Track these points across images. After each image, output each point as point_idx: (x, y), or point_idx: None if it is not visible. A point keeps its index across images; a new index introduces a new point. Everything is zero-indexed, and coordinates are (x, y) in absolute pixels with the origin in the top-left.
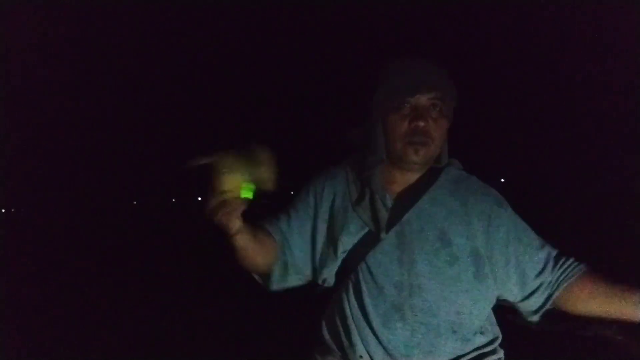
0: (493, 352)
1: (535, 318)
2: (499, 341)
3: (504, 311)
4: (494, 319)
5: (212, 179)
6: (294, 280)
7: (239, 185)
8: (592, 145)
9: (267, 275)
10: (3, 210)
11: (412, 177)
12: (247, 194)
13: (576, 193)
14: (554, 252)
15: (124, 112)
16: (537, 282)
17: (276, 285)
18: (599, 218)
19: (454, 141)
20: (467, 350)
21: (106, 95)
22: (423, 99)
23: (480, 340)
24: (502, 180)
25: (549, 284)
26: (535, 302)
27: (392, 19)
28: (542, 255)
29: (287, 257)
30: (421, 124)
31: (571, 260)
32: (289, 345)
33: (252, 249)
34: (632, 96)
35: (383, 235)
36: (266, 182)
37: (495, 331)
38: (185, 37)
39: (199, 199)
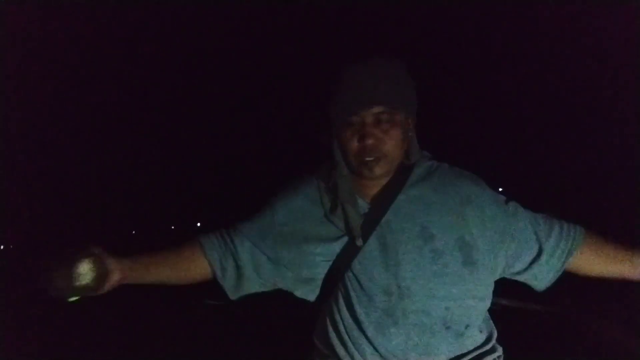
0: (492, 350)
1: (544, 285)
2: (495, 338)
3: (503, 311)
4: (487, 315)
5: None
6: (257, 284)
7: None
8: (593, 146)
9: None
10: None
11: (384, 179)
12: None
13: (577, 192)
14: (542, 217)
15: (122, 135)
16: (538, 251)
17: (234, 293)
18: (600, 218)
19: (454, 142)
20: (465, 349)
21: (102, 116)
22: (368, 115)
23: (476, 336)
24: (500, 189)
25: (554, 253)
26: (541, 274)
27: (389, 17)
28: (532, 222)
29: (243, 263)
30: (369, 141)
31: (570, 226)
32: (288, 348)
33: (162, 276)
34: (632, 96)
35: (359, 242)
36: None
37: (490, 327)
38: (188, 36)
39: (198, 224)
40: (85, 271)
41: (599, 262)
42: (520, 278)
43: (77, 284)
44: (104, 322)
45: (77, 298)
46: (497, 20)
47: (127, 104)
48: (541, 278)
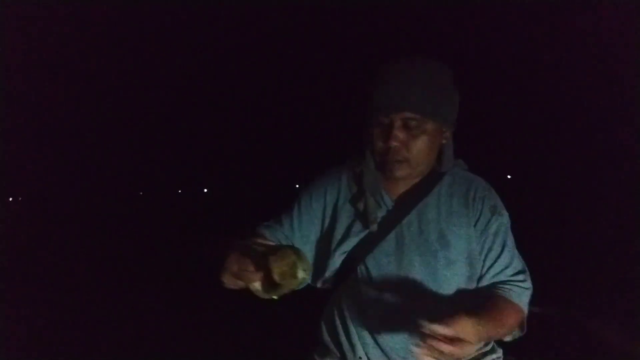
0: (492, 351)
1: None
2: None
3: None
4: None
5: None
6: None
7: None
8: (596, 143)
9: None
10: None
11: (413, 181)
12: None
13: (578, 191)
14: (512, 270)
15: (130, 102)
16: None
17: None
18: (600, 216)
19: (458, 139)
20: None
21: (111, 85)
22: (396, 119)
23: None
24: (509, 176)
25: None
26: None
27: (398, 16)
28: (499, 268)
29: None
30: (393, 144)
31: (513, 284)
32: (288, 346)
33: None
34: (632, 95)
35: (373, 228)
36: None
37: None
38: (192, 29)
39: (205, 190)
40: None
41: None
42: None
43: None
44: (104, 322)
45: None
46: (497, 21)
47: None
48: None
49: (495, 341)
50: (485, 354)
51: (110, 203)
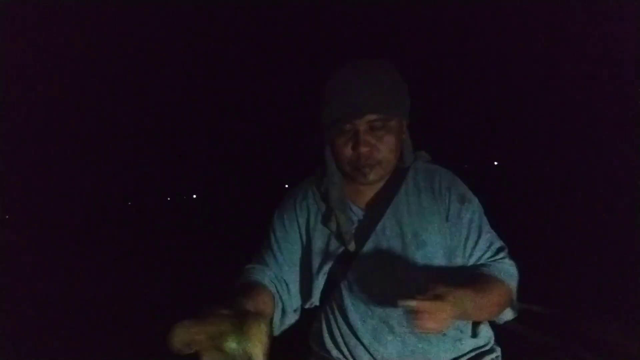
0: (490, 350)
1: None
2: (492, 338)
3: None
4: None
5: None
6: (293, 318)
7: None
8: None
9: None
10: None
11: (378, 184)
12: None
13: (579, 190)
14: (491, 252)
15: (118, 109)
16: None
17: (278, 331)
18: (601, 215)
19: (451, 138)
20: (463, 352)
21: (99, 93)
22: (361, 124)
23: (473, 339)
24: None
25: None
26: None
27: (388, 16)
28: (479, 252)
29: (285, 299)
30: (363, 149)
31: (493, 261)
32: (287, 349)
33: None
34: (632, 95)
35: (351, 247)
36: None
37: (487, 328)
38: (181, 34)
39: (194, 196)
40: (255, 347)
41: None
42: None
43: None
44: (104, 322)
45: None
46: (495, 21)
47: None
48: None
49: (494, 340)
50: (484, 353)
51: (99, 212)
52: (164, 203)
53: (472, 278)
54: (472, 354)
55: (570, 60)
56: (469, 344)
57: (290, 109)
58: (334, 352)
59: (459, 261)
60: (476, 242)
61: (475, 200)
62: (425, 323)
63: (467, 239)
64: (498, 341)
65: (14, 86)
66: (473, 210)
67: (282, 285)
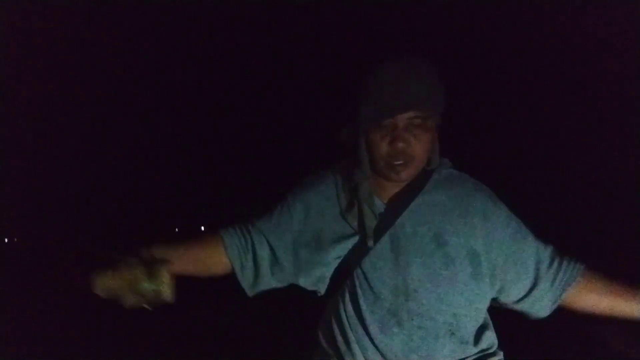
0: (493, 354)
1: (543, 314)
2: (496, 344)
3: (503, 311)
4: (489, 321)
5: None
6: (270, 283)
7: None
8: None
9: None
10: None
11: (403, 182)
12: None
13: (579, 190)
14: (549, 250)
15: (122, 138)
16: (535, 281)
17: (251, 290)
18: (601, 215)
19: (449, 141)
20: (467, 354)
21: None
22: (402, 119)
23: (479, 342)
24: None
25: (553, 283)
26: (540, 303)
27: (393, 14)
28: (538, 253)
29: (260, 258)
30: (400, 145)
31: (570, 260)
32: (288, 348)
33: (183, 270)
34: (632, 95)
35: (370, 243)
36: (157, 297)
37: (492, 333)
38: (193, 43)
39: (202, 228)
40: (162, 285)
41: (595, 297)
42: (519, 307)
43: (158, 298)
44: (104, 322)
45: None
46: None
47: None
48: (539, 307)
49: (497, 344)
50: (488, 355)
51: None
52: (172, 235)
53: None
54: (476, 356)
55: (570, 60)
56: (474, 346)
57: (294, 113)
58: (339, 342)
59: (484, 268)
60: (533, 240)
61: (503, 206)
62: None
63: (515, 233)
64: (499, 341)
65: (14, 87)
66: (506, 211)
67: (262, 246)
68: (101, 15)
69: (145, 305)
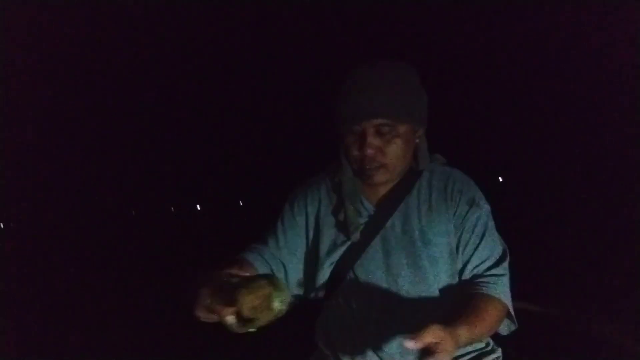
0: (491, 351)
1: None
2: (491, 340)
3: None
4: None
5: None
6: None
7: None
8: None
9: None
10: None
11: (391, 183)
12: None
13: (579, 190)
14: (491, 262)
15: (120, 118)
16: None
17: None
18: (602, 215)
19: (454, 141)
20: (462, 352)
21: (101, 100)
22: (369, 126)
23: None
24: (510, 174)
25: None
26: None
27: (391, 15)
28: (478, 260)
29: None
30: (368, 151)
31: (489, 277)
32: (287, 348)
33: None
34: (633, 96)
35: (354, 238)
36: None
37: None
38: (181, 42)
39: (198, 207)
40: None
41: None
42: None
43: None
44: (104, 322)
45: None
46: (498, 21)
47: (131, 104)
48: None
49: (494, 340)
50: (485, 353)
51: (101, 221)
52: (168, 214)
53: (469, 302)
54: (473, 354)
55: (570, 61)
56: (471, 345)
57: (294, 113)
58: (338, 345)
59: (459, 264)
60: (476, 248)
61: (485, 207)
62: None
63: (467, 243)
64: (498, 341)
65: (14, 90)
66: (479, 215)
67: (279, 267)
68: (101, 15)
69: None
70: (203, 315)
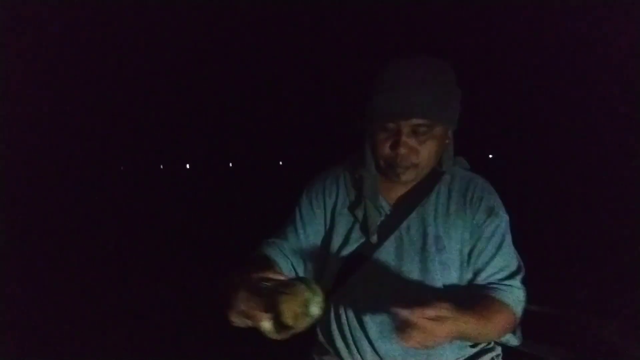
0: (491, 349)
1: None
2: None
3: None
4: None
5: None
6: None
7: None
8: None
9: None
10: None
11: (411, 184)
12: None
13: (579, 189)
14: (504, 273)
15: (111, 80)
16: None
17: None
18: (602, 214)
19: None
20: (466, 354)
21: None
22: (405, 125)
23: (478, 343)
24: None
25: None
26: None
27: (399, 13)
28: (492, 270)
29: (300, 275)
30: (402, 151)
31: (504, 285)
32: (287, 345)
33: None
34: (633, 96)
35: (373, 239)
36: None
37: None
38: (184, 28)
39: (187, 166)
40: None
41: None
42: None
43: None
44: (104, 322)
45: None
46: (499, 21)
47: (128, 103)
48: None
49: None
50: (485, 351)
51: (94, 178)
52: (157, 171)
53: (478, 300)
54: (473, 351)
55: (570, 59)
56: (472, 346)
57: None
58: (339, 343)
59: (469, 274)
60: (491, 258)
61: (505, 217)
62: (414, 339)
63: (482, 251)
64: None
65: (13, 85)
66: (497, 225)
67: (299, 261)
68: (100, 15)
69: (293, 326)
70: (238, 321)
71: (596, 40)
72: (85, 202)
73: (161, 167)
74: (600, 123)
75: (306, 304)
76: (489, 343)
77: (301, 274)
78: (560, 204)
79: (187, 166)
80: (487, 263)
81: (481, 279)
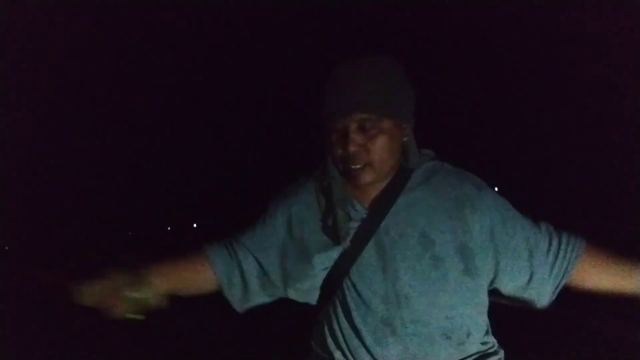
0: (494, 353)
1: (545, 302)
2: (495, 341)
3: (503, 311)
4: (487, 319)
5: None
6: (261, 298)
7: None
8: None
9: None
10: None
11: (382, 183)
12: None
13: (580, 189)
14: (545, 233)
15: (116, 133)
16: (531, 269)
17: (241, 306)
18: (602, 213)
19: (453, 141)
20: (466, 354)
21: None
22: (351, 122)
23: (477, 343)
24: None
25: (552, 271)
26: (538, 291)
27: (389, 14)
28: (531, 238)
29: (246, 273)
30: (352, 149)
31: (569, 240)
32: (285, 349)
33: (170, 288)
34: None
35: (345, 244)
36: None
37: (490, 331)
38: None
39: (195, 225)
40: (146, 294)
41: (599, 276)
42: (518, 296)
43: (142, 307)
44: (104, 322)
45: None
46: (497, 19)
47: (126, 104)
48: (542, 294)
49: (497, 343)
50: (488, 355)
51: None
52: (165, 233)
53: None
54: (476, 356)
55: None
56: (472, 347)
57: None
58: (337, 354)
59: (476, 261)
60: (522, 227)
61: (486, 186)
62: None
63: (505, 219)
64: (499, 341)
65: (13, 90)
66: (493, 195)
67: (248, 261)
68: (100, 15)
69: (131, 315)
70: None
71: (596, 40)
72: (85, 202)
73: (168, 228)
74: (601, 123)
75: (120, 289)
76: (491, 346)
77: (248, 270)
78: (561, 204)
79: (187, 166)
80: (519, 223)
81: (541, 240)
